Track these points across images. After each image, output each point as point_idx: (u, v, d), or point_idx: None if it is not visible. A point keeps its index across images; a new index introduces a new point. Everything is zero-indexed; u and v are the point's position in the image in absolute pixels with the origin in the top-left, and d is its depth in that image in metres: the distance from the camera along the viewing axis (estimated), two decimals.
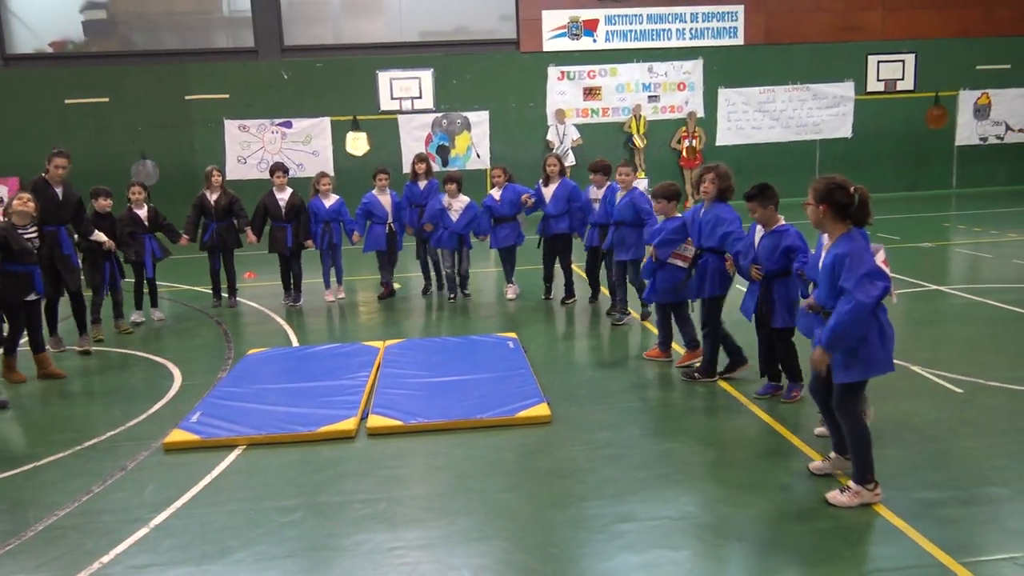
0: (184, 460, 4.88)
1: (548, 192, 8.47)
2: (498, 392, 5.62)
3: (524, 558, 3.65)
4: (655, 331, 6.70)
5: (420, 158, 9.27)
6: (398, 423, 5.18)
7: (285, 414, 5.40)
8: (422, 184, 9.15)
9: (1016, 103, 18.03)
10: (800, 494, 4.13)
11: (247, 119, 16.21)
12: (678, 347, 6.50)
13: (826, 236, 4.00)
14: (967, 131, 18.02)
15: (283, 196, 8.84)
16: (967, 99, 17.93)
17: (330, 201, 9.00)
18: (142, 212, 8.37)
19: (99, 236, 7.59)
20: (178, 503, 4.31)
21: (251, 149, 16.26)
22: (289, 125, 16.34)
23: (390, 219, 9.04)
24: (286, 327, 8.18)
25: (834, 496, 3.98)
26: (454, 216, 8.66)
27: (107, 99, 15.90)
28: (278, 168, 8.97)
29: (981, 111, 18.02)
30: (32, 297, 6.51)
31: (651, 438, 4.92)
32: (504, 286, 9.13)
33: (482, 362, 6.36)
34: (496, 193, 8.75)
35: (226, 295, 9.20)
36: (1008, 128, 18.15)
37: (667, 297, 6.23)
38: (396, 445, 4.97)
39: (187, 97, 16.13)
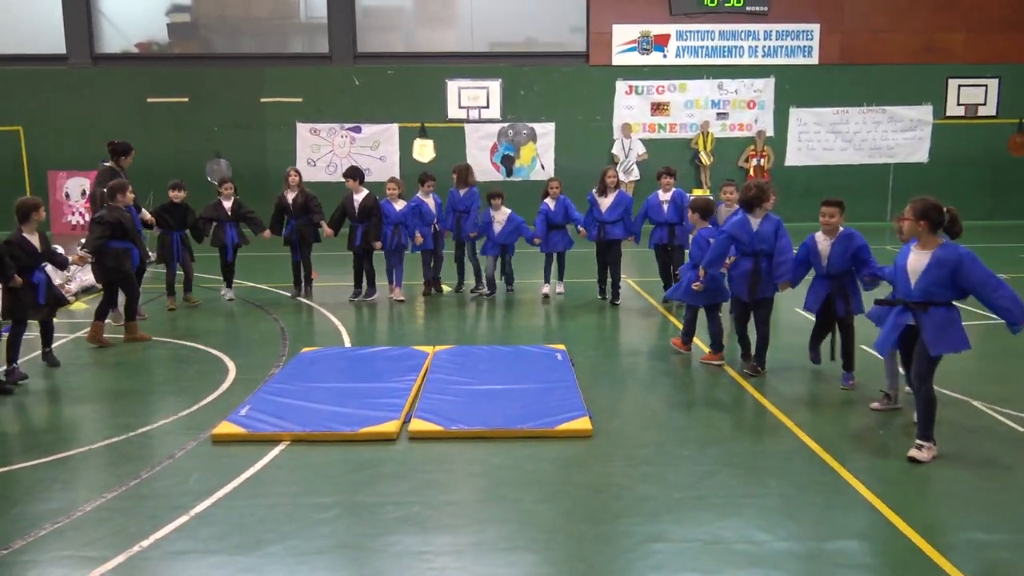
0: (230, 452, 5.00)
1: (606, 202, 9.08)
2: (541, 403, 5.61)
3: (551, 571, 3.63)
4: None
5: (458, 169, 9.92)
6: (439, 428, 5.21)
7: (330, 413, 5.49)
8: (462, 191, 9.75)
9: None
10: (836, 527, 4.00)
11: (318, 123, 16.59)
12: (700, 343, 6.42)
13: (915, 245, 4.83)
14: None
15: (357, 198, 9.42)
16: None
17: (399, 205, 9.45)
18: (228, 204, 9.48)
19: (144, 214, 8.62)
20: (220, 493, 4.42)
21: (320, 152, 16.63)
22: (359, 130, 16.66)
23: (435, 221, 9.69)
24: (340, 327, 8.33)
25: (915, 454, 4.72)
26: (497, 228, 9.44)
27: (186, 99, 16.48)
28: (350, 173, 9.52)
29: None
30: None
31: (692, 458, 4.84)
32: (546, 285, 9.70)
33: (528, 372, 6.36)
34: (551, 203, 9.34)
35: (300, 288, 9.90)
36: None
37: (702, 299, 6.84)
38: (436, 450, 5.00)
39: (262, 99, 16.60)
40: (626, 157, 16.55)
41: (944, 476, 4.56)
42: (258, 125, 16.63)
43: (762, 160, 16.82)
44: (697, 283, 6.72)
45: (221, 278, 9.81)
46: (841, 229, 6.00)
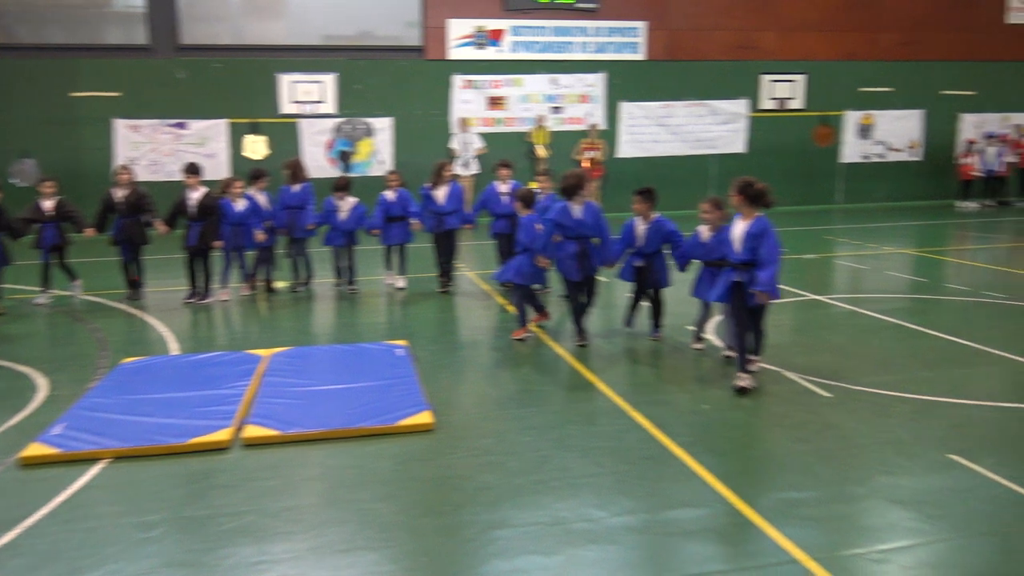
0: (41, 476, 4.61)
1: (441, 194, 9.39)
2: (381, 400, 5.54)
3: (392, 568, 3.59)
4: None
5: (290, 164, 9.68)
6: (275, 433, 5.03)
7: (155, 425, 5.17)
8: (295, 187, 9.58)
9: (896, 124, 19.07)
10: (673, 499, 4.20)
11: (139, 119, 15.58)
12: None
13: (738, 218, 5.80)
14: (851, 149, 18.94)
15: (195, 195, 9.18)
16: (852, 119, 18.84)
17: (240, 204, 9.33)
18: (48, 203, 9.04)
19: None
20: (30, 521, 4.07)
21: (141, 150, 15.62)
22: (183, 126, 15.78)
23: (269, 219, 9.58)
24: (167, 334, 7.87)
25: (740, 383, 5.76)
26: (343, 217, 9.45)
27: None
28: (188, 169, 9.28)
29: (865, 131, 18.98)
30: None
31: (532, 444, 4.92)
32: (388, 275, 9.90)
33: (368, 370, 6.26)
34: (390, 195, 9.50)
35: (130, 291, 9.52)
36: (889, 148, 19.17)
37: (530, 280, 7.44)
38: (271, 456, 4.82)
39: (74, 94, 15.40)
40: (464, 151, 16.63)
41: (760, 443, 4.89)
42: (71, 121, 15.40)
43: (595, 152, 17.39)
44: (544, 261, 7.05)
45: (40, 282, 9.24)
46: (655, 216, 7.01)
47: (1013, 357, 6.58)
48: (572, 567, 3.59)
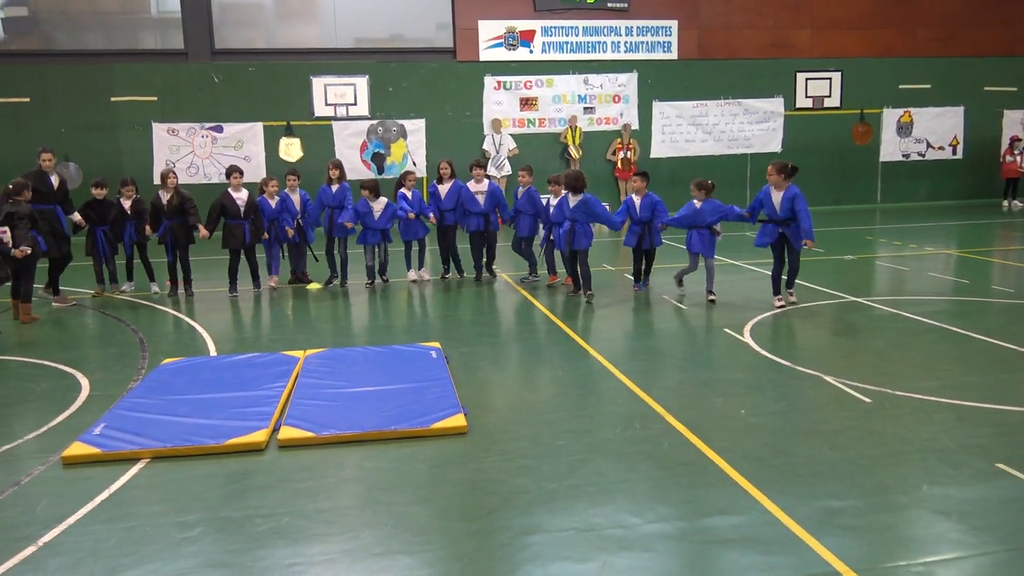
0: (83, 475, 4.68)
1: (444, 189, 10.16)
2: (415, 403, 5.55)
3: (427, 572, 3.58)
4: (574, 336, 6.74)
5: (335, 164, 10.20)
6: (310, 435, 5.06)
7: (193, 426, 5.23)
8: (335, 187, 10.04)
9: (936, 121, 18.74)
10: (709, 506, 4.15)
11: (176, 122, 15.84)
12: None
13: (774, 188, 8.19)
14: (891, 148, 18.65)
15: (240, 196, 9.71)
16: (890, 117, 18.55)
17: (274, 202, 10.10)
18: (126, 203, 9.91)
19: (75, 216, 9.61)
20: (71, 519, 4.13)
21: (180, 153, 15.89)
22: (220, 130, 16.02)
23: (299, 216, 10.23)
24: (205, 335, 7.97)
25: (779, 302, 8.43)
26: (377, 215, 9.93)
27: (28, 99, 15.36)
28: (234, 170, 9.86)
29: (904, 129, 18.67)
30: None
31: (566, 448, 4.90)
32: (411, 272, 10.49)
33: (402, 372, 6.28)
34: (407, 193, 10.12)
35: (176, 288, 9.99)
36: (929, 145, 18.83)
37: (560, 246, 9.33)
38: (307, 457, 4.86)
39: (113, 99, 15.69)
40: (497, 152, 16.65)
41: (799, 449, 4.81)
42: (110, 126, 15.71)
43: (628, 153, 17.31)
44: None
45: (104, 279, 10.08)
46: (647, 193, 9.12)
47: None
48: (606, 574, 3.55)
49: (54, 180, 9.43)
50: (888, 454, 4.72)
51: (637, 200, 9.18)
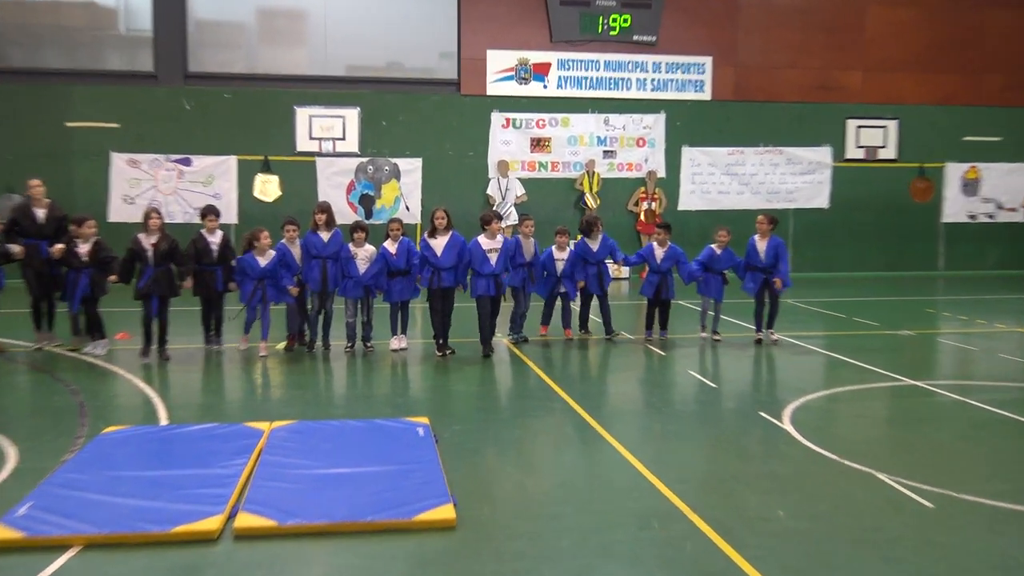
0: (2, 564, 4.58)
1: (439, 244, 9.70)
2: (397, 489, 5.46)
3: None
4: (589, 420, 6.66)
5: (322, 208, 10.10)
6: (271, 524, 4.96)
7: (136, 509, 5.14)
8: (326, 236, 9.94)
9: (1007, 179, 18.84)
10: None
11: (138, 152, 16.04)
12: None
13: (759, 238, 10.51)
14: (954, 207, 18.74)
15: (215, 239, 9.71)
16: (954, 172, 18.68)
17: (265, 259, 9.79)
18: (84, 247, 9.63)
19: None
20: None
21: (140, 187, 16.05)
22: (188, 162, 16.21)
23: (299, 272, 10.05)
24: (156, 399, 7.91)
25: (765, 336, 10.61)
26: (361, 266, 9.81)
27: None
28: (211, 211, 9.89)
29: (970, 186, 18.78)
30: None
31: (570, 551, 4.79)
32: (394, 338, 10.21)
33: (382, 451, 6.20)
34: (391, 246, 9.84)
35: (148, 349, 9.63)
36: (999, 206, 18.91)
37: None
38: (266, 551, 4.75)
39: (69, 124, 15.90)
40: (503, 198, 16.77)
41: (847, 561, 4.69)
42: (63, 154, 15.93)
43: (653, 203, 17.43)
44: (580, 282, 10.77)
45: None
46: (669, 244, 10.67)
47: None
48: None
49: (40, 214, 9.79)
50: (953, 570, 4.60)
51: (660, 251, 10.53)
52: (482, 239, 9.77)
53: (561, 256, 10.65)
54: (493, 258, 9.75)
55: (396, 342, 10.15)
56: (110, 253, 9.78)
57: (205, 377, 9.07)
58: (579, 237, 10.81)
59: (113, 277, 9.56)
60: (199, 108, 16.33)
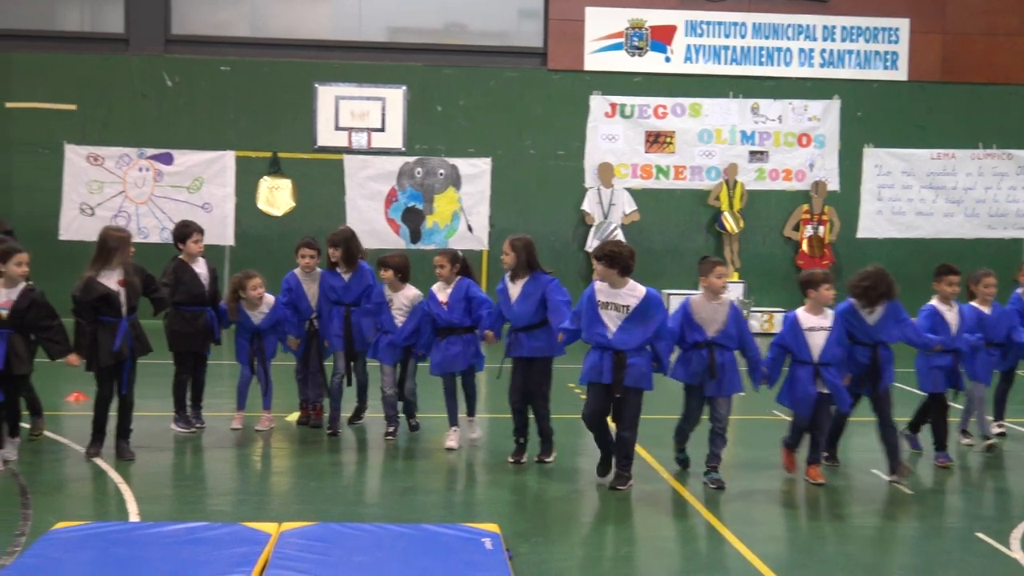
0: None
1: (515, 289, 8.92)
2: None
3: None
4: None
5: (333, 242, 9.84)
6: None
7: None
8: (347, 274, 9.86)
9: None
10: None
11: (102, 146, 16.33)
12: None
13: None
14: None
15: (201, 269, 9.77)
16: None
17: (259, 315, 9.89)
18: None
19: None
20: None
21: (104, 193, 16.25)
22: (168, 159, 16.40)
23: (313, 316, 10.03)
24: (123, 486, 8.13)
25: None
26: (399, 317, 9.55)
27: None
28: (194, 230, 9.80)
29: None
30: None
31: None
32: (452, 431, 9.57)
33: (435, 569, 6.29)
34: (442, 292, 9.30)
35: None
36: None
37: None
38: None
39: (8, 105, 16.35)
40: (605, 216, 16.76)
41: None
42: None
43: (822, 228, 17.27)
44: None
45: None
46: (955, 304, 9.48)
47: None
48: None
49: None
50: None
51: (950, 313, 9.35)
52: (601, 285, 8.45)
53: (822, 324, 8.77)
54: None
55: (453, 437, 9.56)
56: (48, 309, 8.59)
57: (190, 457, 9.24)
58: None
59: (73, 357, 8.72)
60: (185, 85, 16.63)
